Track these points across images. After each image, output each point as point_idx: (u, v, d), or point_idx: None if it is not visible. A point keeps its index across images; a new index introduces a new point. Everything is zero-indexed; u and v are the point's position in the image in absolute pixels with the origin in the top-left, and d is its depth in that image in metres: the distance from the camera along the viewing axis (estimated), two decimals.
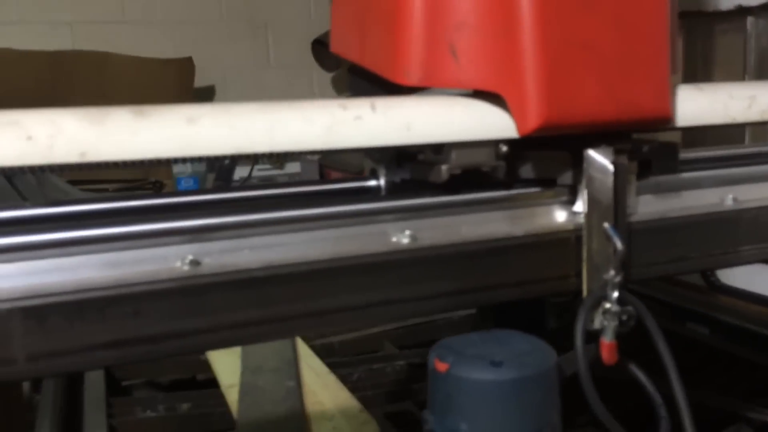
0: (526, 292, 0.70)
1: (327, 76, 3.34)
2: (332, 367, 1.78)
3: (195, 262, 0.55)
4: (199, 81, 3.00)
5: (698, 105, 0.74)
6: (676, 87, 0.73)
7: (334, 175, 2.76)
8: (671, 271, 0.77)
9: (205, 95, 3.19)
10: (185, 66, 2.90)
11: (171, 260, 0.55)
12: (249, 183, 2.72)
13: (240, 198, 0.70)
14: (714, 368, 1.83)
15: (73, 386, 1.65)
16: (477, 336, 0.70)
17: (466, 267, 0.66)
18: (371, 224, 0.64)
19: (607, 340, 0.67)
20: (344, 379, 1.72)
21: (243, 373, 1.68)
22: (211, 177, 2.75)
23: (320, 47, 3.20)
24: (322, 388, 1.66)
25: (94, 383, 1.71)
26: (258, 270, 0.57)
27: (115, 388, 1.79)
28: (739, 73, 2.43)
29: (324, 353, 1.94)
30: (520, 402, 0.63)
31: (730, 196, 0.79)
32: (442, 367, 0.65)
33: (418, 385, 1.76)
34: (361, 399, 1.59)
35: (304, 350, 1.95)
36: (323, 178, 2.84)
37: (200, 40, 3.10)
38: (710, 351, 1.94)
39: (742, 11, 2.31)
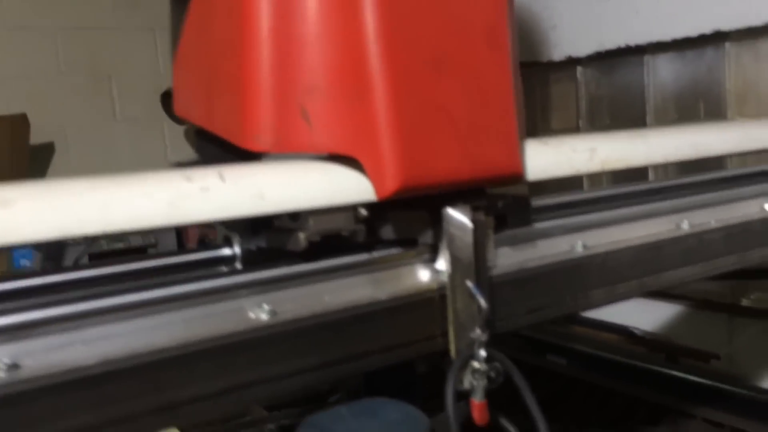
0: (393, 357, 0.67)
1: (179, 129, 3.22)
2: None
3: (13, 366, 0.47)
4: (36, 138, 2.77)
5: (545, 159, 0.77)
6: (524, 142, 0.75)
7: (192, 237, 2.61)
8: (531, 321, 0.78)
9: (44, 153, 2.95)
10: (18, 123, 2.66)
11: None
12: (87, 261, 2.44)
13: (75, 280, 0.62)
14: (573, 398, 1.91)
15: None
16: (346, 410, 0.66)
17: (330, 338, 0.63)
18: (226, 301, 0.59)
19: (477, 401, 0.66)
20: None
21: None
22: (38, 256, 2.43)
23: (170, 99, 3.08)
24: None
25: None
26: (93, 367, 0.50)
27: None
28: (573, 118, 2.64)
29: None
30: None
31: (580, 243, 0.82)
32: None
33: None
34: None
35: None
36: (180, 242, 2.69)
37: (36, 95, 2.88)
38: (569, 381, 2.03)
39: (572, 62, 2.51)
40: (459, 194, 0.68)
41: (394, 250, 0.70)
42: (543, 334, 2.35)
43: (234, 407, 0.57)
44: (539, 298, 0.78)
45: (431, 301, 0.69)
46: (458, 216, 0.67)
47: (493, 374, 0.68)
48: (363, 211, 0.64)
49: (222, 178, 0.56)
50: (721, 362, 1.93)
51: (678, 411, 1.71)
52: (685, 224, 0.93)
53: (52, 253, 2.43)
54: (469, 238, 0.67)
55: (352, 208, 0.63)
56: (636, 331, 2.19)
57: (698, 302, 2.04)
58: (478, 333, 0.66)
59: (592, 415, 1.75)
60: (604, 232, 0.86)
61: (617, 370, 2.01)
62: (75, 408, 0.49)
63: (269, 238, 0.66)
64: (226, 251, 0.70)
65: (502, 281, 0.74)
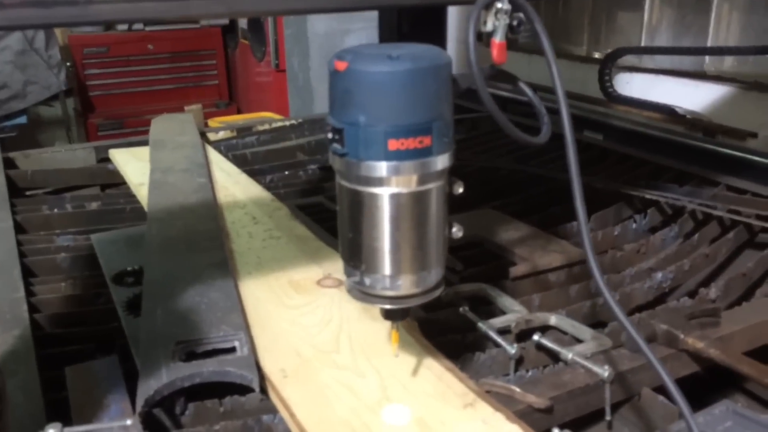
0: None
1: None
2: (246, 174, 1.79)
3: None
4: None
5: None
6: None
7: None
8: None
9: None
10: None
11: None
12: None
13: None
14: (604, 164, 1.97)
15: None
16: (377, 44, 0.72)
17: None
18: None
19: (497, 41, 0.70)
20: (257, 182, 1.74)
21: (152, 173, 1.67)
22: None
23: None
24: (234, 185, 1.68)
25: None
26: None
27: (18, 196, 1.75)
28: None
29: (239, 163, 1.93)
30: (413, 93, 0.66)
31: None
32: (341, 66, 0.67)
33: (330, 184, 1.80)
34: (275, 196, 1.62)
35: (215, 156, 1.95)
36: None
37: None
38: (602, 152, 2.08)
39: None
40: None
41: None
42: (582, 112, 2.36)
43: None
44: None
45: None
46: None
47: (515, 22, 0.72)
48: None
49: None
50: (757, 140, 1.95)
51: (703, 177, 1.76)
52: None
53: None
54: None
55: None
56: (678, 110, 2.19)
57: (749, 84, 2.01)
58: None
59: (619, 176, 1.81)
60: None
61: (649, 142, 2.04)
62: None
63: None
64: None
65: None
